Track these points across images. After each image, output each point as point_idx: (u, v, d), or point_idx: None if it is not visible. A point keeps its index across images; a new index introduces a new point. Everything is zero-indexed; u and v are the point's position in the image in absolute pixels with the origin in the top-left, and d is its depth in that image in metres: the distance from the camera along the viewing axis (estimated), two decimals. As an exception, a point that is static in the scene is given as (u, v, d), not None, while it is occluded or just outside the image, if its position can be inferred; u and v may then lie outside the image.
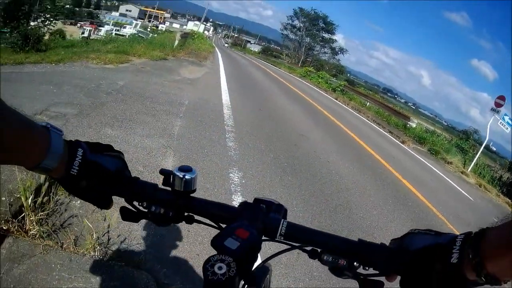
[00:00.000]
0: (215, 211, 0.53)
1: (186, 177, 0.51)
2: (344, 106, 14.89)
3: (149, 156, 3.12)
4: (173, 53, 11.82)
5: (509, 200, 11.22)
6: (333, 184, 4.16)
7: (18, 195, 1.58)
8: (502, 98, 12.29)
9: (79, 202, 1.92)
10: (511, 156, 15.81)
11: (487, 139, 12.48)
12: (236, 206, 0.52)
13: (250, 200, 0.54)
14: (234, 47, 70.24)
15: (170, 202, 0.52)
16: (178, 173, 0.51)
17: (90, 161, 0.48)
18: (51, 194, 1.74)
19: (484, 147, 12.84)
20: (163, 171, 0.52)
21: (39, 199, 1.61)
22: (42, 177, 1.65)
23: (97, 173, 0.48)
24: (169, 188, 0.52)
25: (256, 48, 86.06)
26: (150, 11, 72.60)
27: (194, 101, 5.68)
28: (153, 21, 64.74)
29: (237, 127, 4.97)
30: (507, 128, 12.17)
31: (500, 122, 12.13)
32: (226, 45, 70.13)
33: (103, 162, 0.49)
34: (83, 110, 3.75)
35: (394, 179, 5.60)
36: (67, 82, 4.70)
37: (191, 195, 0.52)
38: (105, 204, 0.52)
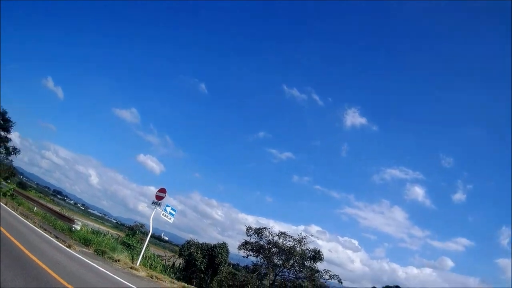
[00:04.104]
0: None
1: None
2: (13, 212, 14.72)
3: None
4: None
5: (185, 284, 12.43)
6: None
7: None
8: (162, 190, 12.73)
9: None
10: (181, 244, 17.47)
11: (150, 232, 13.23)
12: None
13: None
14: None
15: None
16: None
17: None
18: None
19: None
20: None
21: None
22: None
23: None
24: None
25: None
26: None
27: None
28: None
29: None
30: (170, 219, 12.65)
31: (163, 214, 12.52)
32: None
33: None
34: None
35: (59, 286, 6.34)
36: None
37: None
38: None
